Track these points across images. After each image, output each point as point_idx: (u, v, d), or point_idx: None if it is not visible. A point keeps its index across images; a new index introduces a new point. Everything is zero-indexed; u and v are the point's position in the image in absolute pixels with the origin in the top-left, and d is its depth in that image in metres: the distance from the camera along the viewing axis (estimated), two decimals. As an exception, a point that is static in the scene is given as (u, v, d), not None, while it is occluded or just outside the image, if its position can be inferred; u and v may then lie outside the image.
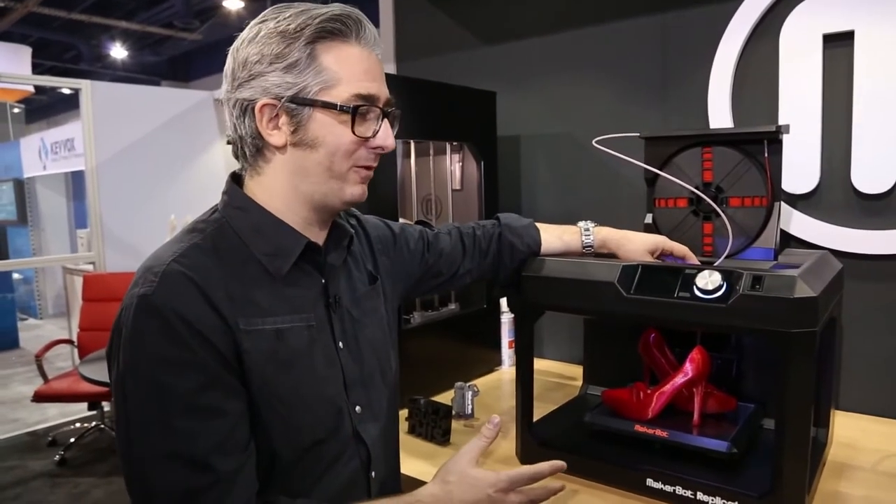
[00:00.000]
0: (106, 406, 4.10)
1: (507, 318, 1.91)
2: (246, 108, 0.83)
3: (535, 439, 1.27)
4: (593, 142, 1.34)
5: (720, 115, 1.60)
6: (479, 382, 1.73)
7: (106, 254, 4.24)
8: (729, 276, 1.02)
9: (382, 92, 0.86)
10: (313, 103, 0.82)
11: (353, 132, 0.84)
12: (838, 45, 1.45)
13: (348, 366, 0.91)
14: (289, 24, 0.81)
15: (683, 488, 1.10)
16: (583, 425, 1.30)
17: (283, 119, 0.82)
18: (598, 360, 1.56)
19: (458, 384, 1.54)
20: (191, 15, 7.03)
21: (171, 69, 9.20)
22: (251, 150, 0.85)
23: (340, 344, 0.91)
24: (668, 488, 1.11)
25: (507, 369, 1.92)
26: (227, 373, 0.78)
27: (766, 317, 0.98)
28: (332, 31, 0.82)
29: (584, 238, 1.26)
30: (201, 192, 4.49)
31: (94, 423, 4.07)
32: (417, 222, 1.20)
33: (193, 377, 0.75)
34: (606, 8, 1.81)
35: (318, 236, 0.91)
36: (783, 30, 1.51)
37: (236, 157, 0.89)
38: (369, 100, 0.85)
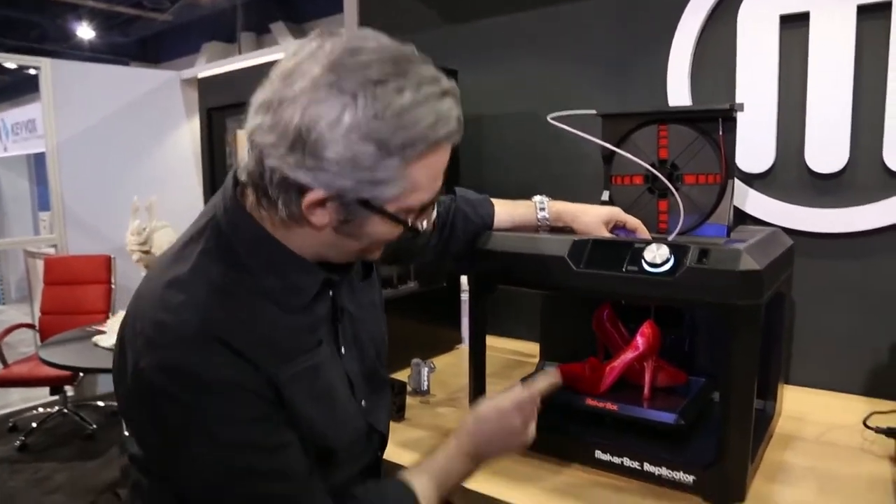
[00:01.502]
0: (69, 391, 4.04)
1: (467, 295, 1.90)
2: (293, 185, 0.70)
3: (488, 414, 1.27)
4: (548, 117, 1.33)
5: (679, 94, 1.61)
6: (440, 360, 1.72)
7: (69, 236, 4.16)
8: (677, 249, 1.03)
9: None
10: (381, 212, 0.73)
11: (410, 235, 0.79)
12: (794, 26, 1.46)
13: (352, 369, 0.90)
14: (391, 133, 0.67)
15: (631, 459, 1.11)
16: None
17: (334, 207, 0.72)
18: (554, 336, 1.56)
19: (415, 361, 1.53)
20: (161, -6, 6.89)
21: (140, 50, 8.99)
22: (282, 213, 0.73)
23: (343, 349, 0.89)
24: (616, 460, 1.12)
25: (467, 347, 1.91)
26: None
27: (712, 289, 0.99)
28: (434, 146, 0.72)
29: (538, 212, 1.26)
30: (167, 174, 4.41)
31: (56, 409, 4.00)
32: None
33: (266, 428, 0.75)
34: (570, -14, 1.80)
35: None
36: (741, 9, 1.51)
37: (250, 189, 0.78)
38: (434, 199, 0.78)
